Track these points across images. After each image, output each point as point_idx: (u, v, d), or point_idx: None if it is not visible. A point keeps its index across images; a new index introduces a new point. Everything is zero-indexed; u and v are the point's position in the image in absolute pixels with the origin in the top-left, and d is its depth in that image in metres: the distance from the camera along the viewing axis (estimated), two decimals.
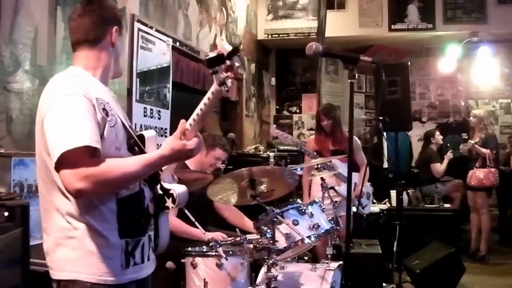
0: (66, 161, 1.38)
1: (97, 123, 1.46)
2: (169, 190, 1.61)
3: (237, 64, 1.41)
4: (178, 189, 1.61)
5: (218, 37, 5.61)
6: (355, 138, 4.57)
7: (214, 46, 1.45)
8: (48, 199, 1.53)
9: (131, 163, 1.47)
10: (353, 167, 4.45)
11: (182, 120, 1.53)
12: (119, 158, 1.49)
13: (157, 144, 1.67)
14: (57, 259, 1.52)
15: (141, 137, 1.66)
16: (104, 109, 1.50)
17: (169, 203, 1.61)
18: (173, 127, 4.71)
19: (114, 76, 1.73)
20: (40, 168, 1.54)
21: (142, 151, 1.61)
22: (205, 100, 1.50)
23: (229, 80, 1.41)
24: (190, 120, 1.52)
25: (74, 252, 1.49)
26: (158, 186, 1.63)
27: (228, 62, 1.40)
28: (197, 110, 1.52)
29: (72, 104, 1.44)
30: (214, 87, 1.45)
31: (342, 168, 4.04)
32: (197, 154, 1.55)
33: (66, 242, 1.50)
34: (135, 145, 1.61)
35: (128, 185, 1.53)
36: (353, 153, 4.28)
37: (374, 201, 6.11)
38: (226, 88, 1.42)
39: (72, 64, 1.65)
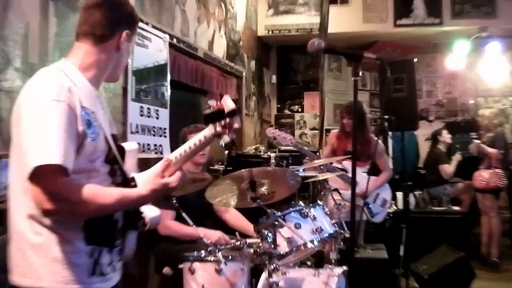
0: (38, 175, 1.36)
1: (76, 136, 1.43)
2: (141, 213, 1.59)
3: (236, 125, 1.41)
4: (150, 213, 1.60)
5: (217, 33, 5.61)
6: (380, 141, 4.59)
7: (216, 97, 1.43)
8: (15, 193, 1.50)
9: (107, 196, 1.44)
10: (373, 171, 4.48)
11: (166, 157, 1.52)
12: (93, 171, 1.48)
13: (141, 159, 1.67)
14: (18, 264, 1.48)
15: (122, 149, 1.64)
16: (87, 120, 1.47)
17: (139, 224, 1.60)
18: (172, 127, 4.69)
19: (108, 80, 1.69)
20: (15, 158, 1.49)
21: (119, 165, 1.59)
22: (195, 140, 1.49)
23: (225, 136, 1.42)
24: (176, 153, 1.52)
25: (37, 259, 1.45)
26: None
27: (227, 120, 1.40)
28: (185, 147, 1.51)
29: (54, 114, 1.40)
30: (208, 132, 1.45)
31: (358, 173, 3.96)
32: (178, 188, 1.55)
33: (28, 247, 1.46)
34: (114, 158, 1.58)
35: (98, 216, 1.50)
36: (375, 156, 4.31)
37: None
38: (221, 143, 1.43)
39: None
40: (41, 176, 1.36)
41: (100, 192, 1.44)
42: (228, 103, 1.41)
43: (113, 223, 1.58)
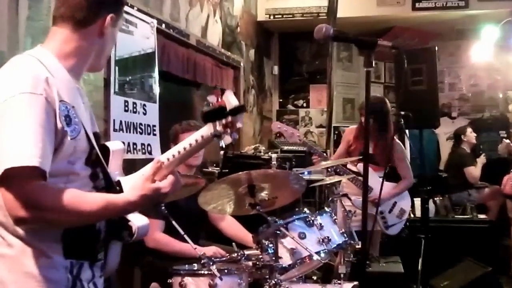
0: (9, 178, 1.35)
1: (54, 134, 1.42)
2: (128, 221, 1.58)
3: (239, 125, 1.42)
4: (138, 222, 1.59)
5: (211, 18, 5.63)
6: (400, 144, 4.60)
7: (217, 93, 1.42)
8: None
9: (90, 203, 1.44)
10: (392, 177, 4.47)
11: (156, 158, 1.52)
12: (71, 174, 1.47)
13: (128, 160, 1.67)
14: None
15: (106, 149, 1.64)
16: (67, 116, 1.46)
17: (125, 234, 1.59)
18: (162, 124, 4.67)
19: (90, 70, 1.69)
20: None
21: (103, 168, 1.59)
22: (191, 140, 1.50)
23: (227, 137, 1.42)
24: (169, 155, 1.52)
25: (7, 274, 1.44)
26: None
27: (229, 119, 1.41)
28: (179, 147, 1.51)
29: (28, 108, 1.39)
30: (206, 132, 1.45)
31: (374, 177, 3.97)
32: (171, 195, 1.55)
33: None
34: (96, 160, 1.58)
35: (80, 225, 1.50)
36: (395, 160, 4.32)
37: None
38: (222, 144, 1.43)
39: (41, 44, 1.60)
40: (14, 179, 1.34)
41: (82, 198, 1.44)
42: (230, 100, 1.41)
43: (95, 233, 1.58)
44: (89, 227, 1.55)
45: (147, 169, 1.53)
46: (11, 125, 1.38)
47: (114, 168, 1.64)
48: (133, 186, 1.51)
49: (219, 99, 1.42)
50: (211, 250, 3.08)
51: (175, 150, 1.52)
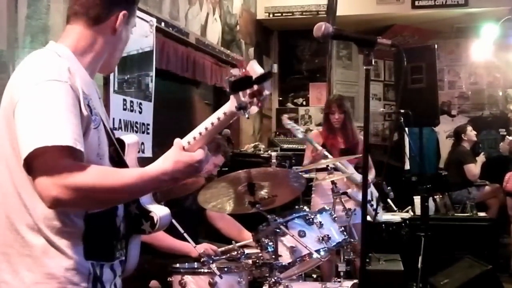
0: (41, 161, 1.33)
1: (81, 122, 1.41)
2: (149, 212, 1.57)
3: (267, 92, 1.37)
4: (160, 212, 1.57)
5: (210, 16, 5.63)
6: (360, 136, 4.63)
7: (240, 64, 1.38)
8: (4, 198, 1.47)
9: (125, 176, 1.41)
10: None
11: (176, 141, 1.47)
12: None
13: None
14: (6, 280, 1.44)
15: (121, 143, 1.63)
16: (88, 105, 1.46)
17: (146, 226, 1.57)
18: (157, 123, 4.69)
19: (103, 71, 1.68)
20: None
21: (122, 161, 1.58)
22: (213, 119, 1.45)
23: (253, 107, 1.38)
24: (190, 138, 1.47)
25: (28, 274, 1.42)
26: (135, 205, 1.58)
27: (255, 87, 1.35)
28: (201, 128, 1.46)
29: (55, 93, 1.39)
30: (229, 107, 1.41)
31: (352, 170, 4.10)
32: (203, 170, 1.50)
33: (18, 260, 1.43)
34: (115, 153, 1.56)
35: (116, 203, 1.49)
36: (359, 151, 4.38)
37: (395, 209, 6.15)
38: (247, 115, 1.39)
39: (44, 45, 1.61)
40: (47, 159, 1.32)
41: (116, 173, 1.43)
42: (255, 68, 1.36)
43: (115, 231, 1.56)
44: (110, 225, 1.54)
45: (174, 146, 1.47)
46: (43, 107, 1.36)
47: (130, 161, 1.62)
48: (165, 156, 1.46)
49: (244, 70, 1.37)
50: (202, 246, 3.08)
51: (196, 132, 1.47)
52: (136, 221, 1.59)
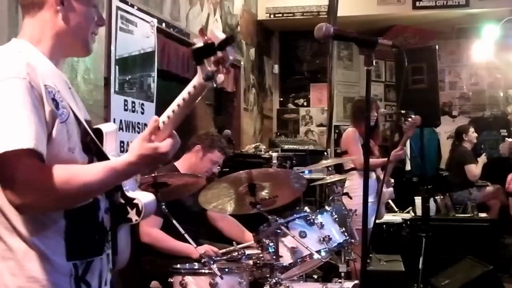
0: (2, 169, 1.30)
1: (44, 119, 1.38)
2: (133, 199, 1.55)
3: (231, 57, 1.33)
4: (144, 198, 1.55)
5: (211, 17, 5.63)
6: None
7: (201, 32, 1.35)
8: None
9: (93, 172, 1.39)
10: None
11: (154, 117, 1.46)
12: (73, 163, 1.43)
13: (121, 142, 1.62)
14: None
15: (99, 132, 1.60)
16: (53, 99, 1.42)
17: (132, 214, 1.55)
18: None
19: (74, 53, 1.64)
20: None
21: (99, 151, 1.55)
22: (184, 94, 1.43)
23: (220, 75, 1.34)
24: (164, 117, 1.46)
25: (11, 278, 1.41)
26: (119, 194, 1.56)
27: (219, 54, 1.31)
28: (173, 106, 1.45)
29: (12, 92, 1.34)
30: (197, 80, 1.38)
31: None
32: (170, 157, 1.49)
33: (2, 264, 1.41)
34: (92, 143, 1.53)
35: (86, 200, 1.46)
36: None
37: (396, 209, 6.15)
38: (215, 84, 1.35)
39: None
40: (9, 164, 1.29)
41: (81, 170, 1.40)
42: (217, 34, 1.31)
43: (98, 225, 1.54)
44: (91, 220, 1.52)
45: (144, 132, 1.46)
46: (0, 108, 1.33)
47: (109, 149, 1.59)
48: (131, 147, 1.44)
49: (205, 37, 1.32)
50: (203, 248, 3.08)
51: (170, 110, 1.45)
52: (121, 210, 1.56)
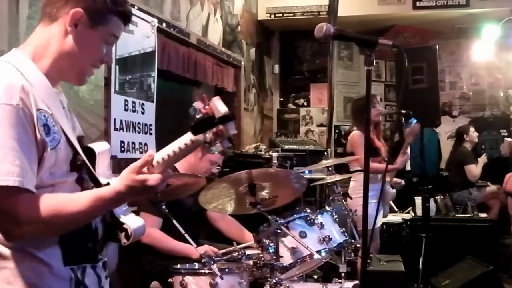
0: None
1: (35, 145, 1.37)
2: (122, 224, 1.55)
3: (231, 132, 1.34)
4: (133, 224, 1.55)
5: (211, 16, 5.62)
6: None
7: (202, 99, 1.34)
8: None
9: (81, 202, 1.40)
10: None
11: (150, 151, 1.45)
12: (55, 184, 1.43)
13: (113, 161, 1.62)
14: None
15: (91, 151, 1.58)
16: (45, 125, 1.39)
17: (121, 237, 1.55)
18: (159, 123, 4.69)
19: (67, 79, 1.57)
20: None
21: (88, 170, 1.54)
22: (180, 144, 1.41)
23: (218, 145, 1.34)
24: (158, 157, 1.44)
25: (8, 287, 1.39)
26: (108, 215, 1.55)
27: (220, 127, 1.32)
28: (169, 151, 1.44)
29: (3, 121, 1.31)
30: (192, 139, 1.37)
31: None
32: (159, 191, 1.49)
33: None
34: (83, 164, 1.52)
35: (76, 228, 1.45)
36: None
37: (396, 209, 6.15)
38: (212, 151, 1.36)
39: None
40: None
41: (67, 200, 1.40)
42: (219, 107, 1.32)
43: (92, 232, 1.54)
44: (85, 227, 1.51)
45: (135, 163, 1.46)
46: None
47: (102, 169, 1.58)
48: (121, 175, 1.45)
49: (206, 106, 1.33)
50: (203, 248, 3.08)
51: (165, 153, 1.45)
52: (111, 230, 1.57)
